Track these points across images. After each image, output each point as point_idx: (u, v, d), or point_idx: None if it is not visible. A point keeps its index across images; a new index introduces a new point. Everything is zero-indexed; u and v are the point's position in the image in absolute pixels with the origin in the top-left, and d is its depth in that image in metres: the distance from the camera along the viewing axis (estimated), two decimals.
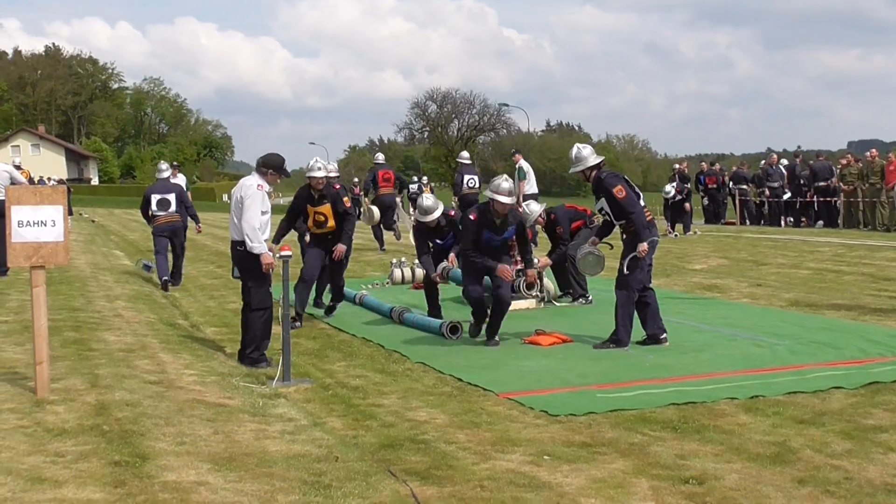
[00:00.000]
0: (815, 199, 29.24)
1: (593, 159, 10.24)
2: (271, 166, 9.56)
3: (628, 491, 5.48)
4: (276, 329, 9.41)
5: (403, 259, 17.11)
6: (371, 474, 5.69)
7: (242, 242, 9.34)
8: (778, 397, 7.68)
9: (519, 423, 7.11)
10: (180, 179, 24.36)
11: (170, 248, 16.36)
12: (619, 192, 9.92)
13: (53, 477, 5.37)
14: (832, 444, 6.37)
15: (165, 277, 16.03)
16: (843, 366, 8.91)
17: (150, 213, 16.35)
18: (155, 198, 16.28)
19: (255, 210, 9.31)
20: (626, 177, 10.26)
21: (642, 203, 10.14)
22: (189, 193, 20.31)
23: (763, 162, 34.26)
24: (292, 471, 5.71)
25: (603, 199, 10.16)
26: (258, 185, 9.40)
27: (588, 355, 9.72)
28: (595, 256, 10.74)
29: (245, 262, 9.46)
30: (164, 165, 17.57)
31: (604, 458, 6.16)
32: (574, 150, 10.39)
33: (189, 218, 16.87)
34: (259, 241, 9.26)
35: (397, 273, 16.52)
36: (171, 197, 16.29)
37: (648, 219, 10.09)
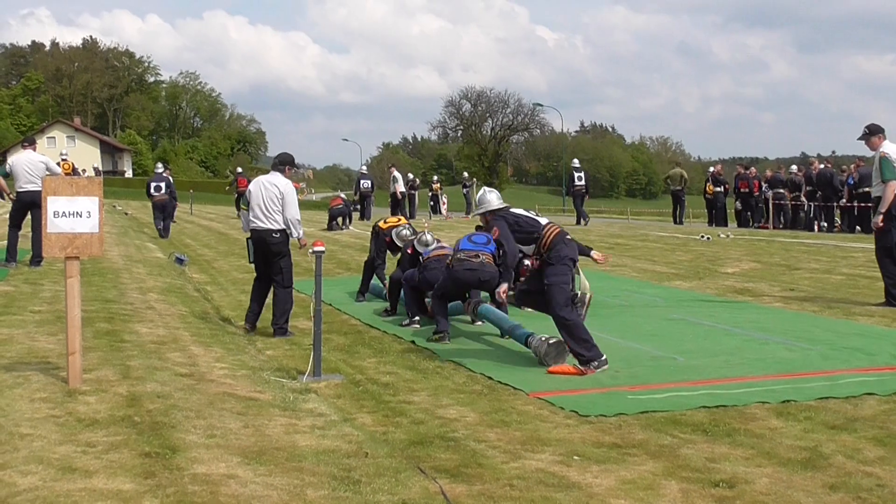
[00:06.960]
0: (855, 204, 28.86)
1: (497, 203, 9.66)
2: (288, 162, 11.28)
3: (658, 493, 5.45)
4: (308, 324, 9.43)
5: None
6: (400, 471, 5.69)
7: (279, 231, 10.96)
8: (810, 402, 7.62)
9: (549, 422, 7.10)
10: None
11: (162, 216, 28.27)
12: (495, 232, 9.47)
13: (84, 467, 5.41)
14: (864, 451, 6.31)
15: (160, 228, 27.93)
16: (875, 372, 8.84)
17: (150, 193, 28.44)
18: (153, 184, 28.64)
19: (297, 203, 11.07)
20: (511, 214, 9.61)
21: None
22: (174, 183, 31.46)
23: (794, 167, 33.88)
24: (322, 466, 5.71)
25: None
26: (293, 184, 11.16)
27: (619, 356, 9.66)
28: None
29: (282, 246, 11.03)
30: (159, 165, 33.34)
31: (633, 459, 6.13)
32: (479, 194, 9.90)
33: (173, 198, 29.59)
34: (301, 228, 11.15)
35: None
36: (163, 184, 28.52)
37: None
